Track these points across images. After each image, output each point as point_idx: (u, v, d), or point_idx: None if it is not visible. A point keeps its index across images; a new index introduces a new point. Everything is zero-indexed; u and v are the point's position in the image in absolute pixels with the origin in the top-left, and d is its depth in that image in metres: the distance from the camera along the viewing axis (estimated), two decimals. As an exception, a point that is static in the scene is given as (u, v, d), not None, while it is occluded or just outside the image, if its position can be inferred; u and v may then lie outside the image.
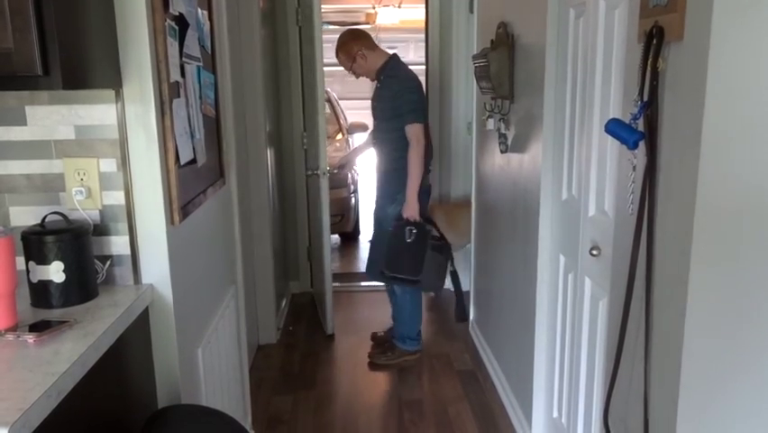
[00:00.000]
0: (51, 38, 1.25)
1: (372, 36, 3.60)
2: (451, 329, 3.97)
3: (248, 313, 2.99)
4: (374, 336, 3.86)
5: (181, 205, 1.76)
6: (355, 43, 3.41)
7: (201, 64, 2.04)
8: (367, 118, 4.21)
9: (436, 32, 4.39)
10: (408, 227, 3.28)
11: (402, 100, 3.27)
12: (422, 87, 3.41)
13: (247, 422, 2.76)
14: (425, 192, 3.42)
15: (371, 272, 3.59)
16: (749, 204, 1.31)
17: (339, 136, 6.62)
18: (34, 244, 1.51)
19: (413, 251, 3.27)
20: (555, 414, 2.49)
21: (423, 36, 4.61)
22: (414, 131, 3.25)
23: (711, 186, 1.30)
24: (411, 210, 3.30)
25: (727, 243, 1.33)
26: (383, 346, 3.67)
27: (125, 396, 1.58)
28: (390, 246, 3.35)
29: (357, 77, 3.55)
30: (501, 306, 3.20)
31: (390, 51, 3.52)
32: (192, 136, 1.90)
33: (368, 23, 9.53)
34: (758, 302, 1.35)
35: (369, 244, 3.77)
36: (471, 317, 3.95)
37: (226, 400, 2.31)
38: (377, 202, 3.57)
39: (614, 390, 1.69)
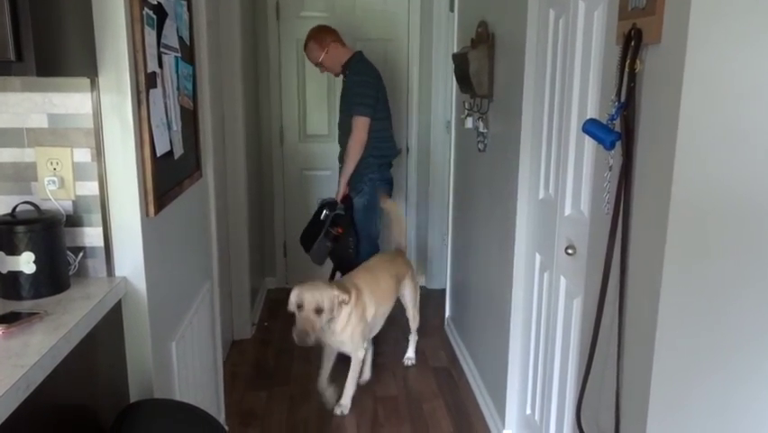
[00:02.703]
0: (25, 23, 1.22)
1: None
2: (426, 326, 3.98)
3: (223, 308, 2.96)
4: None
5: (157, 196, 1.74)
6: (328, 34, 3.58)
7: (179, 55, 2.01)
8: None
9: (416, 30, 4.39)
10: (325, 209, 3.57)
11: (353, 92, 3.47)
12: (379, 84, 3.53)
13: (220, 417, 2.74)
14: (385, 182, 3.61)
15: None
16: (723, 204, 1.34)
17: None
18: (4, 233, 1.48)
19: (316, 228, 3.59)
20: (529, 411, 2.51)
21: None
22: (357, 122, 3.42)
23: (686, 187, 1.33)
24: (340, 193, 3.58)
25: (701, 242, 1.35)
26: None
27: (97, 389, 1.56)
28: (311, 219, 3.69)
29: (322, 71, 3.69)
30: (477, 303, 3.21)
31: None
32: (169, 127, 1.88)
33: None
34: (729, 301, 1.38)
35: None
36: (447, 313, 3.97)
37: (200, 395, 2.28)
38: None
39: (587, 387, 1.71)
